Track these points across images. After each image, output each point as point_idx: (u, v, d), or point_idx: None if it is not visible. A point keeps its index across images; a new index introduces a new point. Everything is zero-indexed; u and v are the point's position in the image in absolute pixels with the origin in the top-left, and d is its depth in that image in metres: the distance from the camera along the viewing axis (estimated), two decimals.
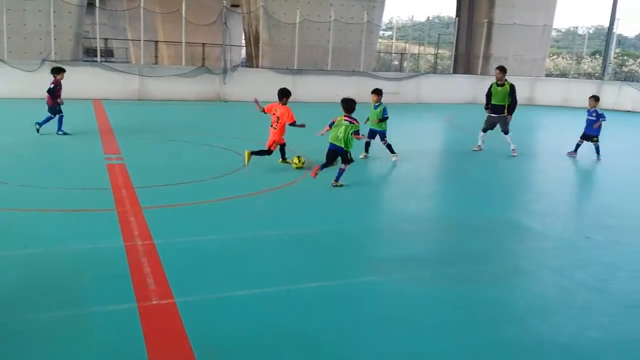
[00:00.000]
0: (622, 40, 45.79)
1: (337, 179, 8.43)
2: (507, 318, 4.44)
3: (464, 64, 28.44)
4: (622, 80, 28.27)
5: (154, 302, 4.33)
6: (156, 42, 31.46)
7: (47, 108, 12.11)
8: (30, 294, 4.42)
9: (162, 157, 10.55)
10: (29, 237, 5.69)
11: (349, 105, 8.60)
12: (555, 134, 17.43)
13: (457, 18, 28.22)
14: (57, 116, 12.10)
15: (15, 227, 6.05)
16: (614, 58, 36.93)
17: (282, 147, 9.95)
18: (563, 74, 32.82)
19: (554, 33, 38.14)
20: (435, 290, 4.94)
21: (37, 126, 11.97)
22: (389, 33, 46.66)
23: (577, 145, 12.21)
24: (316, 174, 8.43)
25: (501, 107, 12.17)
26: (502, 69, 12.34)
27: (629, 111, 24.80)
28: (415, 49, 34.40)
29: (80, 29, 20.90)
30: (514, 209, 8.08)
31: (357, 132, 8.48)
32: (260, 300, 4.50)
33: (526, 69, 27.19)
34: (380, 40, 37.88)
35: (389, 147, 10.75)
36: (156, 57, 31.58)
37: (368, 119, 10.74)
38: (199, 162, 10.11)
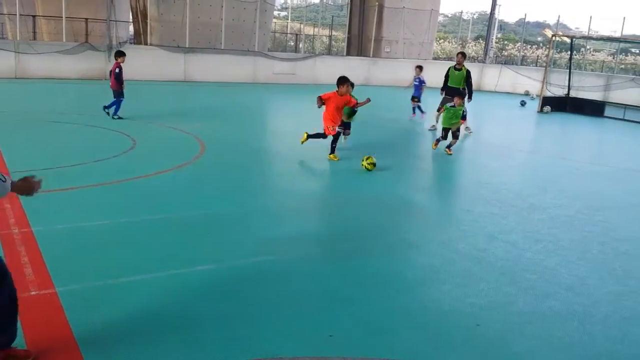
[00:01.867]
0: (503, 26, 48.56)
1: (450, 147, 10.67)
2: (397, 289, 4.62)
3: (357, 46, 29.01)
4: (502, 64, 30.11)
5: (33, 292, 4.05)
6: (34, 16, 29.11)
7: (112, 93, 12.13)
8: None
9: (42, 139, 9.84)
10: None
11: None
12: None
13: (349, 0, 28.65)
14: (119, 100, 11.95)
15: None
16: (496, 42, 39.28)
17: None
18: (449, 58, 34.41)
19: (440, 18, 39.74)
20: (326, 266, 5.02)
21: (107, 110, 11.92)
22: (284, 13, 46.45)
23: (413, 108, 14.98)
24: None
25: (456, 90, 12.66)
26: (464, 54, 13.45)
27: (508, 92, 26.57)
28: (310, 30, 34.48)
29: None
30: (403, 185, 8.39)
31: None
32: (146, 286, 4.34)
33: (415, 52, 28.23)
34: (275, 20, 37.54)
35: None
36: (34, 32, 29.25)
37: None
38: (83, 145, 9.55)
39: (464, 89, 12.87)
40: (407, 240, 5.87)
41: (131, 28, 27.64)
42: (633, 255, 5.83)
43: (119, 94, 12.02)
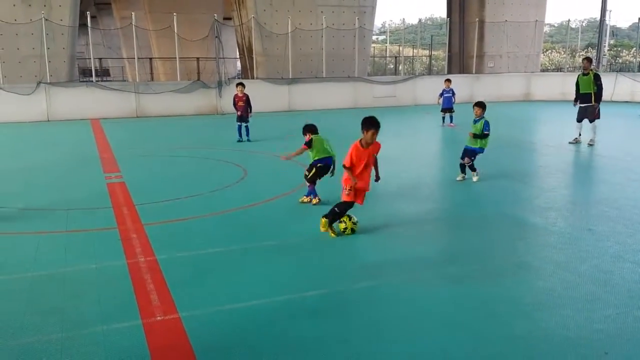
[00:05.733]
0: (615, 32, 45.75)
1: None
2: (512, 314, 4.41)
3: (458, 63, 28.52)
4: (617, 72, 28.24)
5: (159, 318, 4.31)
6: (151, 59, 31.57)
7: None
8: (32, 317, 4.38)
9: (161, 173, 10.57)
10: (30, 261, 5.69)
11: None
12: (556, 127, 17.43)
13: (448, 18, 28.32)
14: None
15: (17, 251, 6.05)
16: (609, 50, 36.98)
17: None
18: (558, 68, 32.82)
19: (546, 28, 38.24)
20: (435, 289, 4.92)
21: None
22: (382, 37, 46.82)
23: (443, 118, 16.83)
24: None
25: (588, 95, 13.08)
26: (589, 59, 13.66)
27: (626, 102, 24.79)
28: (409, 51, 34.48)
29: (73, 50, 21.01)
30: (516, 204, 8.02)
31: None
32: (265, 309, 4.48)
33: (521, 65, 27.25)
34: (373, 44, 37.97)
35: (471, 166, 9.28)
36: (152, 73, 31.69)
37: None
38: (199, 176, 10.11)
39: (595, 93, 12.93)
40: (523, 263, 5.58)
41: (239, 64, 29.13)
42: None
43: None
